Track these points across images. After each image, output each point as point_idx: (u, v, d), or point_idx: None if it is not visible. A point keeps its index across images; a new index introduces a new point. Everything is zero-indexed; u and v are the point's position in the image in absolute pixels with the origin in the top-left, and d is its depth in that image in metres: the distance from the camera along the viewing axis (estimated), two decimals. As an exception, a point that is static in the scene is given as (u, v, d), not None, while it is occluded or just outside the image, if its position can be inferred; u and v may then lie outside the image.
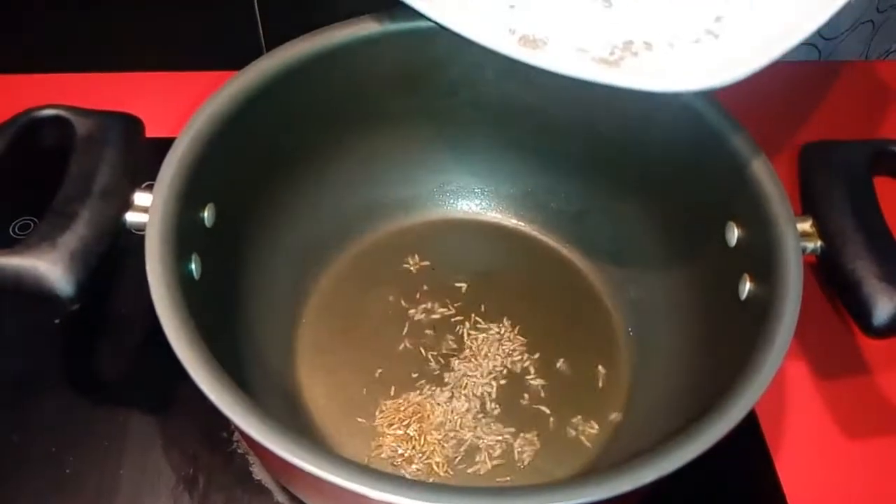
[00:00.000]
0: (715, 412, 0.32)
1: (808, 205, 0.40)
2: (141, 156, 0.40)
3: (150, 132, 0.42)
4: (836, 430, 0.47)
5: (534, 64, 0.39)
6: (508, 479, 0.43)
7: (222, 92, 0.41)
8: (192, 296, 0.35)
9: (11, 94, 0.59)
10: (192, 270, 0.38)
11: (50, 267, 0.34)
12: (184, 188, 0.38)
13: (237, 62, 0.43)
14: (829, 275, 0.39)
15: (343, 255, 0.52)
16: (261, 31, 0.60)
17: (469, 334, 0.49)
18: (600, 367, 0.48)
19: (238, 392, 0.32)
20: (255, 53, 0.43)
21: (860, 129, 0.62)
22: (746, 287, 0.39)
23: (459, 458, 0.44)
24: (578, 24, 0.42)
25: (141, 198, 0.38)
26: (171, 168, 0.38)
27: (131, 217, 0.38)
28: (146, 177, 0.39)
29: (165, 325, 0.33)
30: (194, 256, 0.38)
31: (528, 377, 0.47)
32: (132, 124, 0.41)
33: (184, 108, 0.43)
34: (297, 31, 0.44)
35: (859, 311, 0.37)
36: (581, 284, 0.51)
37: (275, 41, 0.44)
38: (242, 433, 0.31)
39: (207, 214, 0.40)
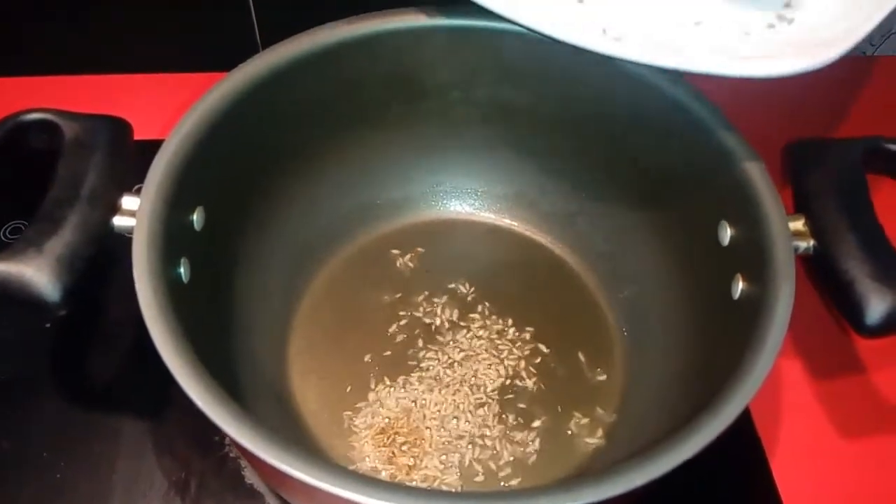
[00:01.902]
0: (707, 412, 0.32)
1: (800, 203, 0.40)
2: (129, 159, 0.40)
3: (140, 134, 0.41)
4: (832, 430, 0.47)
5: (613, 55, 0.38)
6: (504, 482, 0.43)
7: (212, 93, 0.41)
8: (181, 300, 0.35)
9: (-1, 97, 0.58)
10: (180, 274, 0.38)
11: (36, 273, 0.34)
12: (172, 191, 0.38)
13: (234, 64, 0.42)
14: (821, 274, 0.39)
15: (336, 256, 0.52)
16: (257, 33, 0.60)
17: (463, 335, 0.48)
18: (594, 367, 0.47)
19: (227, 398, 0.32)
20: (251, 54, 0.43)
21: (853, 126, 0.61)
22: (739, 286, 0.39)
23: (454, 460, 0.44)
24: (650, 12, 0.41)
25: (129, 201, 0.38)
26: (158, 171, 0.38)
27: (119, 221, 0.37)
28: (135, 180, 0.38)
29: (153, 330, 0.33)
30: (183, 260, 0.38)
31: (523, 378, 0.47)
32: (120, 127, 0.40)
33: (174, 110, 0.42)
34: (294, 31, 0.44)
35: (852, 311, 0.36)
36: (575, 284, 0.51)
37: (271, 42, 0.43)
38: (232, 439, 0.31)
39: (196, 217, 0.40)
